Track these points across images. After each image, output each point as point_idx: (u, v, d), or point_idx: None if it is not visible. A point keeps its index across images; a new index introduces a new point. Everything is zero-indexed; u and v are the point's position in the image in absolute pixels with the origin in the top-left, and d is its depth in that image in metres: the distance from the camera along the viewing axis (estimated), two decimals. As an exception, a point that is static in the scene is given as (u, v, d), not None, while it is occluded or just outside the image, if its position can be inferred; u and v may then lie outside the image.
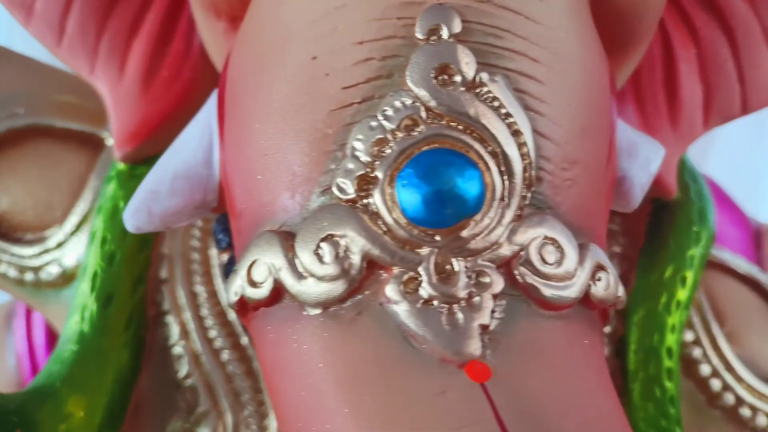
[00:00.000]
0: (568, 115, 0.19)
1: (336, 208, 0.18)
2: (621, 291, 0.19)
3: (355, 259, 0.17)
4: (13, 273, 0.32)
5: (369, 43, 0.18)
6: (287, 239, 0.18)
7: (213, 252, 0.31)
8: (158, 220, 0.23)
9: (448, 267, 0.17)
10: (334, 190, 0.18)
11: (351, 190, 0.18)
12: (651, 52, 0.29)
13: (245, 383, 0.29)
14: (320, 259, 0.17)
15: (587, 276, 0.18)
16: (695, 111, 0.29)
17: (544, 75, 0.18)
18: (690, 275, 0.28)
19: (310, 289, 0.18)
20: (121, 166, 0.29)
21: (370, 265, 0.18)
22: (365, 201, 0.18)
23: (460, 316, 0.16)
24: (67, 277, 0.31)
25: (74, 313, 0.29)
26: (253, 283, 0.19)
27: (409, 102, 0.18)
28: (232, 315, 0.30)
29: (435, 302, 0.17)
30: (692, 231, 0.29)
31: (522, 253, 0.17)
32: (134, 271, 0.29)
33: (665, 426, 0.27)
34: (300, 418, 0.18)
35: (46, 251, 0.31)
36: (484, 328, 0.16)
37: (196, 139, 0.22)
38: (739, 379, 0.29)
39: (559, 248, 0.18)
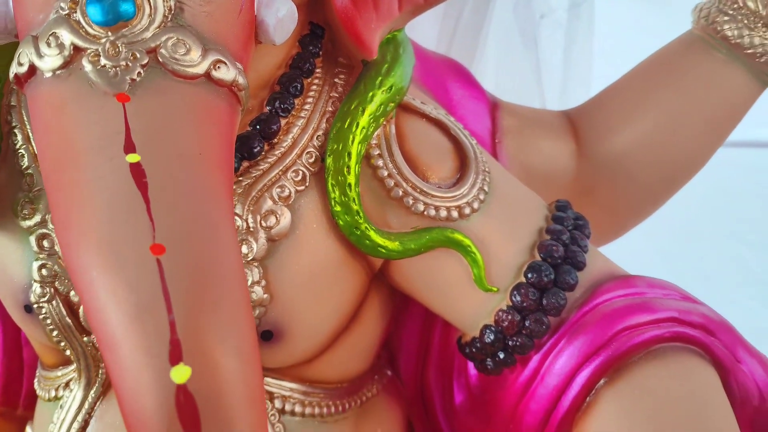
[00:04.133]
0: None
1: (58, 19, 0.29)
2: (241, 80, 0.32)
3: (67, 44, 0.29)
4: None
5: None
6: (35, 39, 0.29)
7: None
8: None
9: (116, 49, 0.30)
10: (59, 9, 0.29)
11: (66, 9, 0.29)
12: None
13: None
14: (49, 45, 0.29)
15: (208, 63, 0.31)
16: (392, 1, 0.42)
17: None
18: (369, 108, 0.40)
19: (45, 64, 0.29)
20: None
21: (76, 49, 0.29)
22: (74, 15, 0.29)
23: (120, 73, 0.29)
24: None
25: None
26: (19, 65, 0.30)
27: None
28: None
29: (107, 67, 0.29)
30: (378, 78, 0.42)
31: (164, 44, 0.30)
32: None
33: (346, 202, 0.41)
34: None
35: None
36: (132, 80, 0.29)
37: None
38: (405, 178, 0.43)
39: (187, 46, 0.30)
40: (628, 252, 0.61)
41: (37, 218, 0.40)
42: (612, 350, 0.42)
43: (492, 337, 0.44)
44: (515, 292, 0.43)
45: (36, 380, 0.50)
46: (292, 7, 0.35)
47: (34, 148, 0.41)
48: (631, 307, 0.43)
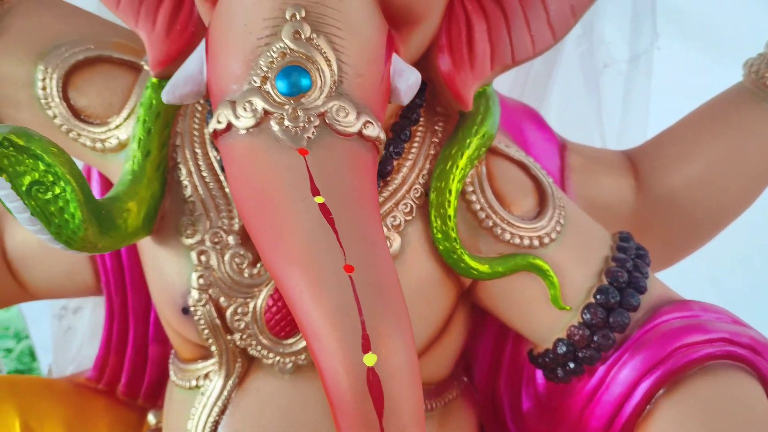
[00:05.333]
0: (357, 53, 0.40)
1: (252, 90, 0.38)
2: (377, 132, 0.40)
3: (259, 109, 0.38)
4: (89, 143, 0.53)
5: (268, 19, 0.39)
6: (233, 103, 0.38)
7: (206, 130, 0.51)
8: (178, 98, 0.43)
9: (296, 114, 0.39)
10: (252, 82, 0.38)
11: (258, 82, 0.38)
12: (459, 24, 0.47)
13: (222, 200, 0.49)
14: (244, 109, 0.38)
15: (361, 124, 0.39)
16: (485, 60, 0.48)
17: (343, 33, 0.39)
18: (467, 153, 0.49)
19: (241, 123, 0.38)
20: (154, 80, 0.49)
21: (266, 112, 0.37)
22: (264, 86, 0.38)
23: (299, 131, 0.38)
24: (121, 145, 0.50)
25: (128, 161, 0.50)
26: (218, 122, 0.38)
27: (283, 45, 0.37)
28: (215, 163, 0.50)
29: (290, 127, 0.38)
30: (473, 127, 0.50)
31: (330, 110, 0.39)
32: (161, 139, 0.49)
33: (446, 231, 0.49)
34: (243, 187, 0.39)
35: (109, 130, 0.50)
36: (308, 138, 0.38)
37: (196, 60, 0.43)
38: (495, 211, 0.51)
39: (348, 111, 0.39)
40: (680, 277, 0.67)
41: (198, 237, 0.49)
42: (670, 365, 0.49)
43: (564, 349, 0.51)
44: (586, 311, 0.50)
45: (172, 372, 0.58)
46: (418, 75, 0.43)
47: (196, 181, 0.50)
48: (687, 328, 0.50)
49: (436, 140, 0.51)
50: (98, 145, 0.51)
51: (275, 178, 0.36)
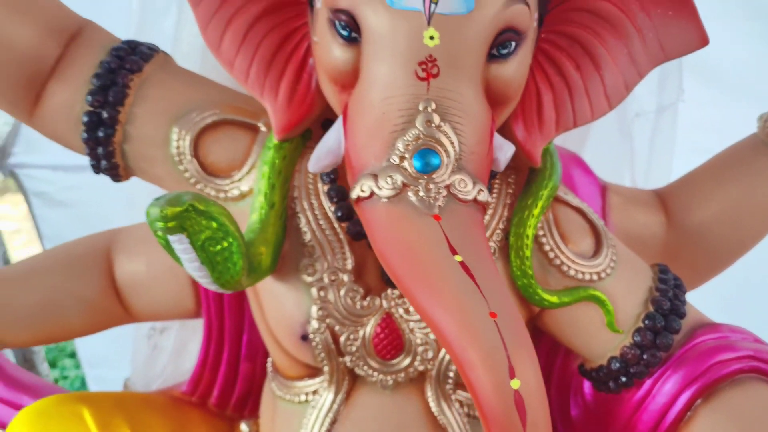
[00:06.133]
0: (472, 134, 0.49)
1: (391, 166, 0.46)
2: (486, 197, 0.49)
3: (399, 183, 0.46)
4: (213, 193, 0.61)
5: (404, 110, 0.48)
6: (374, 176, 0.46)
7: (319, 185, 0.59)
8: (320, 168, 0.51)
9: (428, 186, 0.48)
10: (391, 160, 0.46)
11: (396, 160, 0.46)
12: (531, 96, 0.57)
13: (336, 244, 0.58)
14: (383, 183, 0.47)
15: (476, 191, 0.48)
16: (551, 124, 0.57)
17: (462, 120, 0.47)
18: (540, 203, 0.59)
19: (382, 192, 0.46)
20: (276, 142, 0.57)
21: (404, 185, 0.45)
22: (402, 164, 0.46)
23: (432, 201, 0.47)
24: (242, 195, 0.58)
25: (255, 211, 0.58)
26: (362, 191, 0.46)
27: (417, 132, 0.46)
28: (329, 212, 0.58)
29: (424, 197, 0.46)
30: (543, 181, 0.60)
31: (454, 182, 0.48)
32: (283, 192, 0.57)
33: (524, 269, 0.59)
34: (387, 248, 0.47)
35: (232, 182, 0.59)
36: (439, 206, 0.47)
37: (334, 137, 0.52)
38: (561, 251, 0.61)
39: (467, 183, 0.48)
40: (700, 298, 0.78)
41: (318, 276, 0.58)
42: (706, 379, 0.59)
43: (617, 365, 0.61)
44: (636, 334, 0.60)
45: (276, 388, 0.67)
46: (513, 148, 0.53)
47: (314, 228, 0.59)
48: (720, 348, 0.60)
49: (511, 191, 0.61)
50: (221, 194, 0.60)
51: (420, 240, 0.45)
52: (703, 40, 0.55)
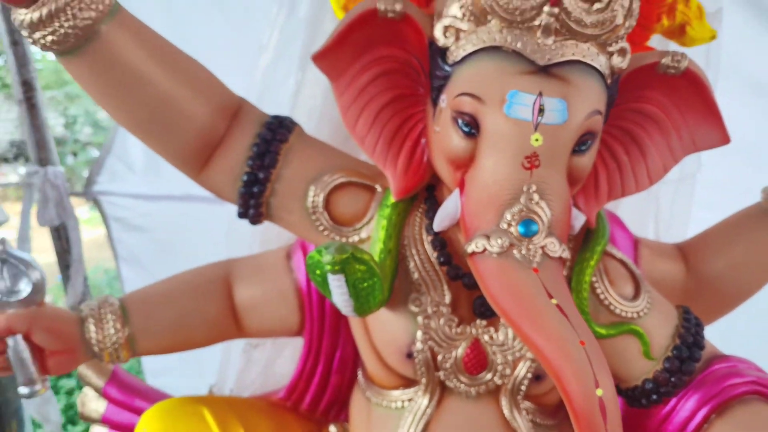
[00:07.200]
0: (559, 209, 0.64)
1: (500, 230, 0.61)
2: (567, 254, 0.66)
3: (506, 243, 0.60)
4: (337, 237, 0.78)
5: (512, 190, 0.62)
6: (487, 237, 0.61)
7: (424, 236, 0.74)
8: (442, 227, 0.67)
9: (528, 247, 0.62)
10: (501, 226, 0.61)
11: (505, 226, 0.61)
12: (590, 173, 0.72)
13: (438, 283, 0.73)
14: (494, 242, 0.61)
15: (562, 250, 0.64)
16: (604, 195, 0.74)
17: (554, 198, 0.61)
18: (595, 256, 0.76)
19: (493, 249, 0.61)
20: (393, 201, 0.73)
21: (510, 245, 0.60)
22: (509, 229, 0.60)
23: (531, 257, 0.62)
24: (361, 241, 0.74)
25: (376, 255, 0.75)
26: (476, 246, 0.61)
27: (521, 206, 0.61)
28: (432, 258, 0.73)
29: (525, 255, 0.61)
30: (598, 239, 0.76)
31: (546, 244, 0.64)
32: (396, 241, 0.74)
33: (582, 307, 0.75)
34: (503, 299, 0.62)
35: (354, 230, 0.74)
36: (537, 262, 0.63)
37: (453, 204, 0.65)
38: (610, 294, 0.77)
39: (555, 244, 0.63)
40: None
41: (423, 308, 0.74)
42: (719, 398, 0.75)
43: (651, 386, 0.77)
44: (666, 362, 0.76)
45: (371, 396, 0.83)
46: (584, 217, 0.70)
47: (420, 270, 0.75)
48: (731, 374, 0.76)
49: (571, 245, 0.78)
50: (344, 239, 0.76)
51: (525, 287, 0.61)
52: (725, 139, 0.72)
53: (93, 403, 0.98)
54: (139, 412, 0.93)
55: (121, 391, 0.98)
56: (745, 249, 0.89)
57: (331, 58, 0.68)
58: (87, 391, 0.97)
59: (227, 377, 1.06)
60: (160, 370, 1.58)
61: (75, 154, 5.73)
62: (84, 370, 0.96)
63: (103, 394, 0.96)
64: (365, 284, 0.66)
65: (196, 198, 1.36)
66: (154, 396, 0.98)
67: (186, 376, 1.16)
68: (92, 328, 0.79)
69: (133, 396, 0.98)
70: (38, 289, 0.77)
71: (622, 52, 0.64)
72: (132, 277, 1.57)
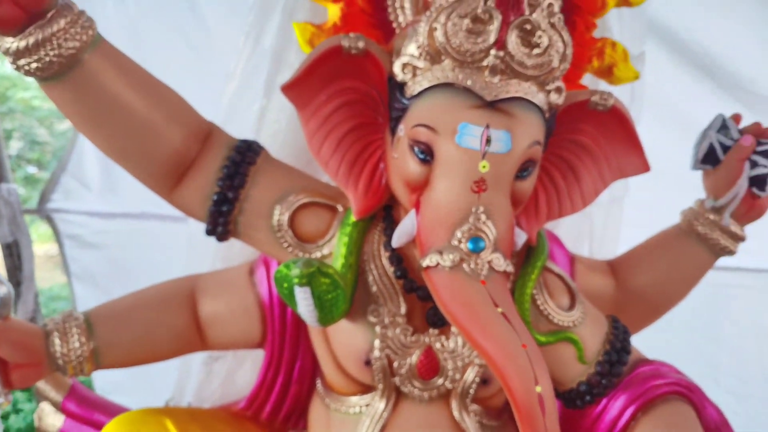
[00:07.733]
0: (504, 227, 0.71)
1: (451, 247, 0.68)
2: (511, 269, 0.73)
3: (457, 258, 0.67)
4: (301, 254, 0.83)
5: (462, 210, 0.68)
6: (440, 252, 0.68)
7: (383, 251, 0.79)
8: (400, 244, 0.73)
9: (476, 261, 0.70)
10: (452, 243, 0.67)
11: (456, 243, 0.68)
12: (531, 196, 0.82)
13: (394, 295, 0.79)
14: (447, 257, 0.67)
15: (506, 265, 0.70)
16: (544, 216, 0.82)
17: (500, 218, 0.69)
18: (536, 271, 0.84)
19: (445, 263, 0.67)
20: (354, 220, 0.80)
21: (460, 260, 0.67)
22: (460, 245, 0.67)
23: (479, 271, 0.69)
24: (323, 257, 0.79)
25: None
26: (431, 261, 0.67)
27: (470, 226, 0.67)
28: (389, 272, 0.79)
29: (474, 268, 0.67)
30: (539, 255, 0.85)
31: (492, 259, 0.72)
32: (356, 257, 0.80)
33: (524, 317, 0.83)
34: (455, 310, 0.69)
35: (317, 247, 0.80)
36: (485, 275, 0.68)
37: (409, 223, 0.71)
38: (549, 305, 0.85)
39: (501, 259, 0.70)
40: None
41: (380, 318, 0.80)
42: (644, 398, 0.84)
43: (584, 387, 0.85)
44: (598, 365, 0.85)
45: (330, 402, 0.88)
46: (525, 235, 0.78)
47: (379, 283, 0.81)
48: (654, 376, 0.86)
49: (514, 261, 0.86)
50: (307, 255, 0.82)
51: (474, 297, 0.68)
52: (645, 167, 0.82)
53: (50, 418, 0.99)
54: (98, 426, 0.94)
55: (80, 405, 0.99)
56: (667, 265, 1.00)
57: (298, 88, 0.74)
58: (44, 405, 0.98)
59: (185, 390, 1.09)
60: (110, 389, 1.57)
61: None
62: (42, 385, 0.97)
63: (61, 408, 0.98)
64: (329, 296, 0.72)
65: (152, 216, 1.39)
66: (113, 410, 0.99)
67: (137, 394, 1.17)
68: (57, 341, 0.82)
69: (92, 410, 0.99)
70: (4, 303, 0.80)
71: (558, 90, 0.72)
72: (86, 295, 1.57)
